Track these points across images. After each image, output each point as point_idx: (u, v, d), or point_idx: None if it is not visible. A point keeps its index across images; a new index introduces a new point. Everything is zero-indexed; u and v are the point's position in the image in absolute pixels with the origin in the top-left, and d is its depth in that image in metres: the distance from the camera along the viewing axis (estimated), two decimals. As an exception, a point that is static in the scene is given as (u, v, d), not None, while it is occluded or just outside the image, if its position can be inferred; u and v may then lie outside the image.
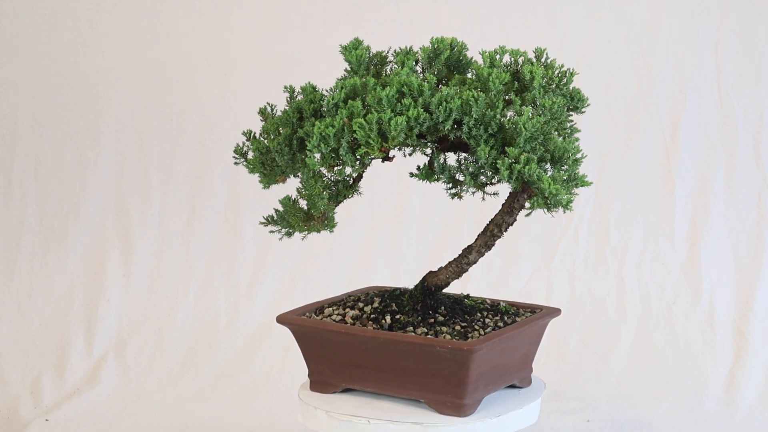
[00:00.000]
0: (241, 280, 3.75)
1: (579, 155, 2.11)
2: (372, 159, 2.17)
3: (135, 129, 3.82)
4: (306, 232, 2.33)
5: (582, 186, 2.12)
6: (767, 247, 3.71)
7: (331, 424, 2.25)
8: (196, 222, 3.82)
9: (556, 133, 2.21)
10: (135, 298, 3.71)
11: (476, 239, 2.35)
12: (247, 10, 3.82)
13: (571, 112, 2.25)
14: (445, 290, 2.48)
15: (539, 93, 2.16)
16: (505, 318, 2.36)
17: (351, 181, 2.30)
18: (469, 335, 2.24)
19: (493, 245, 2.35)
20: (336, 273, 3.76)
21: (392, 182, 3.75)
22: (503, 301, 2.49)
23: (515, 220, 2.32)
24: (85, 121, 3.81)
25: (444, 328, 2.27)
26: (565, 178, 2.11)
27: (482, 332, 2.26)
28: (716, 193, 3.77)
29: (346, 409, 2.25)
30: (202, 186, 3.83)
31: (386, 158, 2.20)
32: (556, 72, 2.22)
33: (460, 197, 2.26)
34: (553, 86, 2.20)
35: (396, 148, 2.19)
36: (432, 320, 2.31)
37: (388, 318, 2.32)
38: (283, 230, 2.34)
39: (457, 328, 2.28)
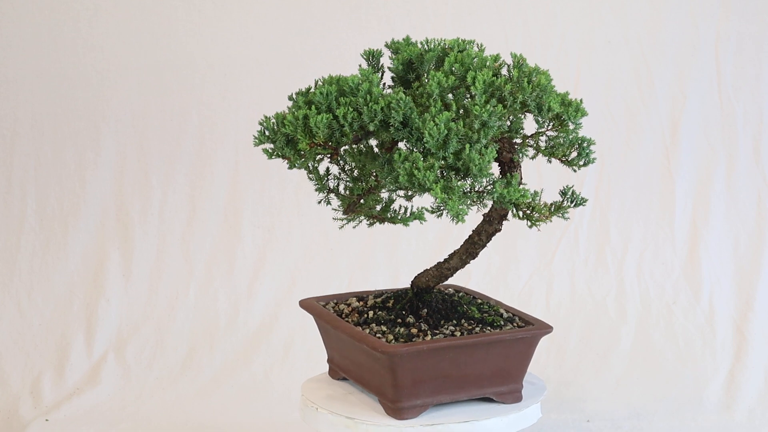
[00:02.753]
0: (241, 280, 3.75)
1: (485, 169, 2.03)
2: (316, 154, 2.18)
3: (135, 129, 3.82)
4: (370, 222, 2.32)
5: (519, 199, 2.06)
6: (767, 247, 3.71)
7: (301, 407, 2.39)
8: (196, 222, 3.82)
9: (497, 142, 2.16)
10: (135, 298, 3.71)
11: (461, 246, 2.35)
12: (247, 10, 3.81)
13: (570, 122, 2.21)
14: (482, 291, 2.48)
15: (479, 100, 2.09)
16: (477, 329, 2.30)
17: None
18: (414, 338, 2.24)
19: (476, 253, 2.34)
20: (336, 273, 3.76)
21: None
22: (510, 311, 2.43)
23: (497, 229, 2.31)
24: (85, 121, 3.81)
25: (401, 329, 2.28)
26: (467, 189, 2.06)
27: (429, 338, 2.24)
28: (716, 193, 3.77)
29: (314, 396, 2.36)
30: (202, 186, 3.83)
31: (334, 155, 2.20)
32: (528, 80, 2.13)
33: (408, 199, 2.24)
34: (506, 93, 2.11)
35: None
36: (400, 320, 2.32)
37: (371, 313, 2.37)
38: (348, 220, 2.34)
39: (413, 330, 2.27)
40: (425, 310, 2.35)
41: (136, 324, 3.65)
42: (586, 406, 3.25)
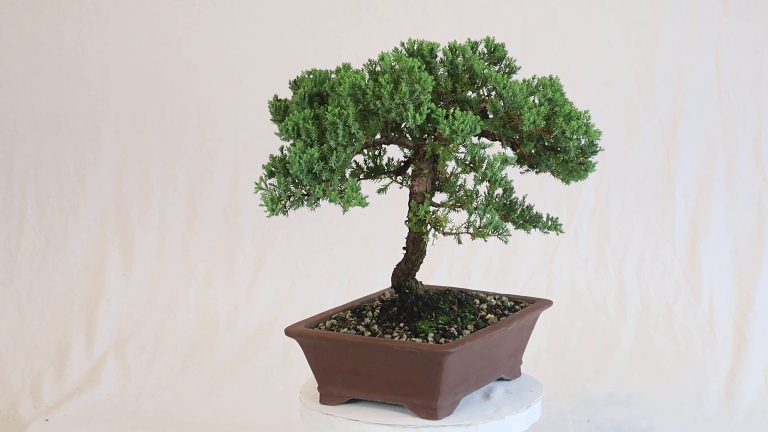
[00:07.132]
0: (241, 280, 3.75)
1: (297, 169, 2.06)
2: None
3: (135, 129, 3.82)
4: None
5: (345, 205, 2.10)
6: (767, 247, 3.71)
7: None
8: (196, 222, 3.82)
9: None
10: (135, 298, 3.71)
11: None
12: (247, 11, 3.82)
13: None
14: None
15: (346, 101, 2.09)
16: (398, 335, 2.27)
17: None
18: (339, 330, 2.29)
19: (412, 260, 2.36)
20: (336, 273, 3.76)
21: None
22: (473, 327, 2.33)
23: (416, 237, 2.33)
24: (85, 121, 3.81)
25: (351, 319, 2.35)
26: (294, 184, 2.11)
27: (351, 333, 2.29)
28: (716, 193, 3.77)
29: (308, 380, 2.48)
30: (202, 186, 3.83)
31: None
32: (391, 87, 2.05)
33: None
34: (369, 99, 2.08)
35: None
36: (363, 312, 2.39)
37: (376, 302, 2.45)
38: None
39: (353, 322, 2.33)
40: (395, 308, 2.36)
41: (136, 324, 3.65)
42: (586, 406, 3.25)
